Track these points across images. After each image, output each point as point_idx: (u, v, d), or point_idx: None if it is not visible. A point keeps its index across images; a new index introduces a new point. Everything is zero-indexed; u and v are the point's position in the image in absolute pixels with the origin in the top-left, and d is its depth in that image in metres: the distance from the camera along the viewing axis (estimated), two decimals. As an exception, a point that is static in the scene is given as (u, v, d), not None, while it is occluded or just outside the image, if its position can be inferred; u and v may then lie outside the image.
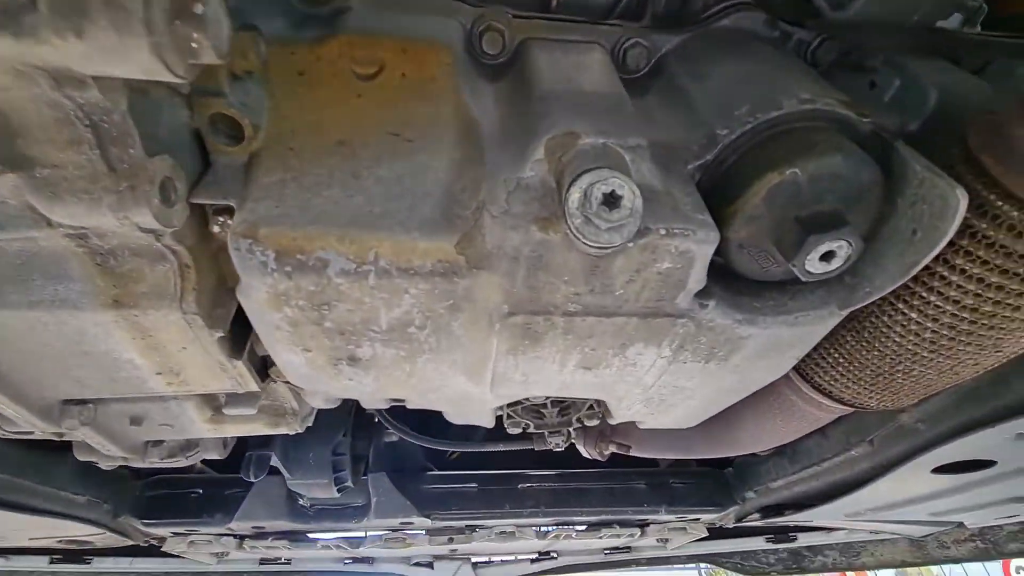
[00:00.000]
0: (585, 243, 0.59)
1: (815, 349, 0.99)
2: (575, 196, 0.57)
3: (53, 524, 1.60)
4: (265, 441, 1.51)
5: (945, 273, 0.72)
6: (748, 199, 0.67)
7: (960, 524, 2.07)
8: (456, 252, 0.65)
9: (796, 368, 1.07)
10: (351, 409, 1.62)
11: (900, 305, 0.80)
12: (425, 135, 0.75)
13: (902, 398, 0.96)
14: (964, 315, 0.74)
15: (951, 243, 0.70)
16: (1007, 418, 0.95)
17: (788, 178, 0.65)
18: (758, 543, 2.54)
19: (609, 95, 0.74)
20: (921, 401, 1.19)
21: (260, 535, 1.87)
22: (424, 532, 1.96)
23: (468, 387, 0.92)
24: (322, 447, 1.57)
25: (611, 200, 0.57)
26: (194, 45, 0.45)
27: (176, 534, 1.87)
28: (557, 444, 1.27)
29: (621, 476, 1.99)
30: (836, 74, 0.94)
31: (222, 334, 0.79)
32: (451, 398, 1.00)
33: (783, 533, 2.47)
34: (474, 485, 1.91)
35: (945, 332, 0.77)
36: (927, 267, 0.74)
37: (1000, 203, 0.65)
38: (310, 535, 1.95)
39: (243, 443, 1.57)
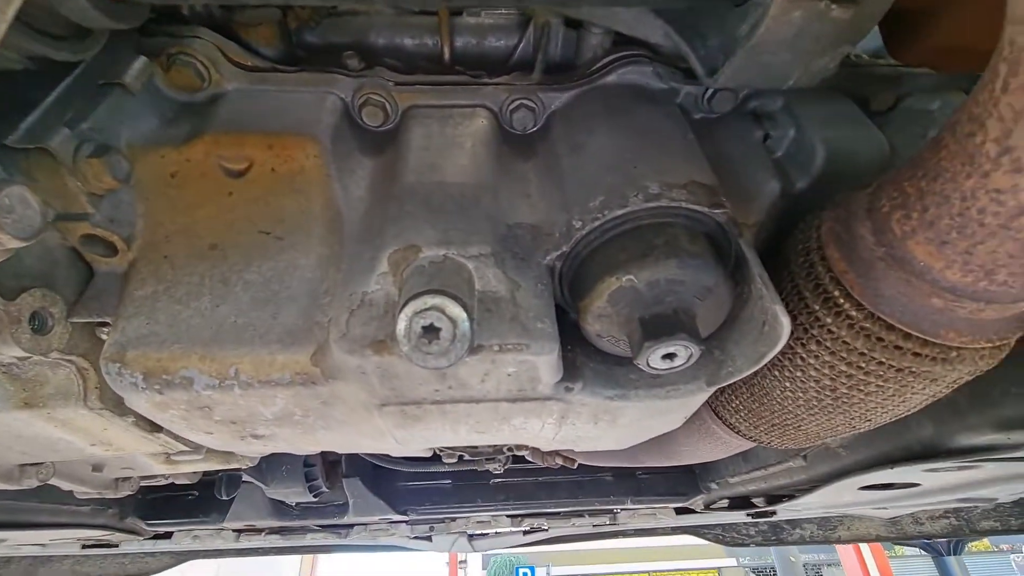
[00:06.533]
0: (418, 365, 0.62)
1: (725, 394, 1.02)
2: (402, 326, 0.60)
3: (66, 532, 1.78)
4: (236, 460, 1.62)
5: (804, 355, 0.73)
6: (593, 299, 0.68)
7: (933, 502, 2.11)
8: (311, 364, 0.69)
9: (711, 406, 1.09)
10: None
11: (777, 374, 0.81)
12: (295, 231, 0.77)
13: (799, 442, 0.98)
14: (825, 393, 0.75)
15: (805, 329, 0.71)
16: (908, 460, 0.96)
17: (625, 284, 0.66)
18: (740, 517, 2.62)
19: (468, 186, 0.75)
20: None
21: (254, 530, 2.04)
22: (406, 523, 2.10)
23: (380, 445, 0.98)
24: (294, 459, 1.68)
25: (431, 331, 0.59)
26: (-2, 241, 0.49)
27: (181, 530, 2.05)
28: (495, 468, 1.33)
29: (589, 469, 2.07)
30: (732, 124, 0.91)
31: (133, 419, 0.86)
32: (374, 448, 1.06)
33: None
34: (448, 481, 2.02)
35: (814, 403, 0.78)
36: (790, 346, 0.75)
37: (842, 301, 0.64)
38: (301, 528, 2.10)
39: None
